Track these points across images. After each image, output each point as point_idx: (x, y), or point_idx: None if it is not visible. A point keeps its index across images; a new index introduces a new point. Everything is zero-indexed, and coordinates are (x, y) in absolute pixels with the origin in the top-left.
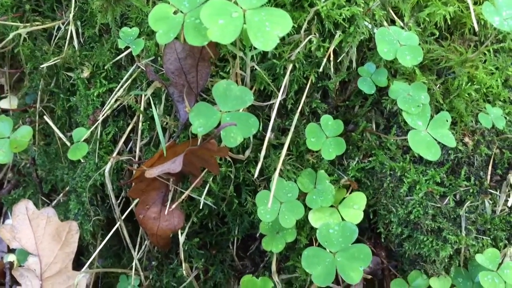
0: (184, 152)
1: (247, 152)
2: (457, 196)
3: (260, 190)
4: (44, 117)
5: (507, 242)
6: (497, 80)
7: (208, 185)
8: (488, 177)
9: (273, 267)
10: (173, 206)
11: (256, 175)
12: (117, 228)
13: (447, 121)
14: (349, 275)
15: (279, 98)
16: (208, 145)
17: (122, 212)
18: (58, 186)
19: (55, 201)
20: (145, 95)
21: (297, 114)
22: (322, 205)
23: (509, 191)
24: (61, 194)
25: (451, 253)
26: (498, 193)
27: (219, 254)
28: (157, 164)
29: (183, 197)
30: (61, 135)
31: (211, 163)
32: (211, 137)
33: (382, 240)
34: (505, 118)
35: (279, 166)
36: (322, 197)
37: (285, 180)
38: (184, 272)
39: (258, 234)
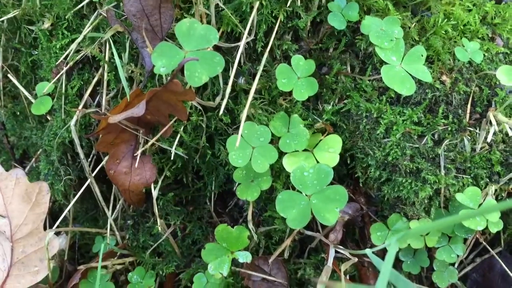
0: (148, 96)
1: (218, 99)
2: (436, 135)
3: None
4: (8, 75)
5: (488, 181)
6: (474, 17)
7: (178, 135)
8: (467, 115)
9: (249, 216)
10: (139, 152)
11: (221, 112)
12: (92, 191)
13: (422, 56)
14: (324, 217)
15: (245, 36)
16: (172, 86)
17: (93, 170)
18: (29, 151)
19: (27, 167)
20: (106, 41)
21: (266, 54)
22: (296, 148)
23: (488, 128)
24: (33, 160)
25: (431, 193)
26: (477, 131)
27: (196, 211)
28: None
29: (149, 143)
30: (27, 93)
31: (178, 108)
32: (173, 75)
33: (361, 185)
34: (484, 54)
35: (248, 104)
36: (296, 141)
37: (257, 124)
38: (159, 228)
39: (235, 188)
